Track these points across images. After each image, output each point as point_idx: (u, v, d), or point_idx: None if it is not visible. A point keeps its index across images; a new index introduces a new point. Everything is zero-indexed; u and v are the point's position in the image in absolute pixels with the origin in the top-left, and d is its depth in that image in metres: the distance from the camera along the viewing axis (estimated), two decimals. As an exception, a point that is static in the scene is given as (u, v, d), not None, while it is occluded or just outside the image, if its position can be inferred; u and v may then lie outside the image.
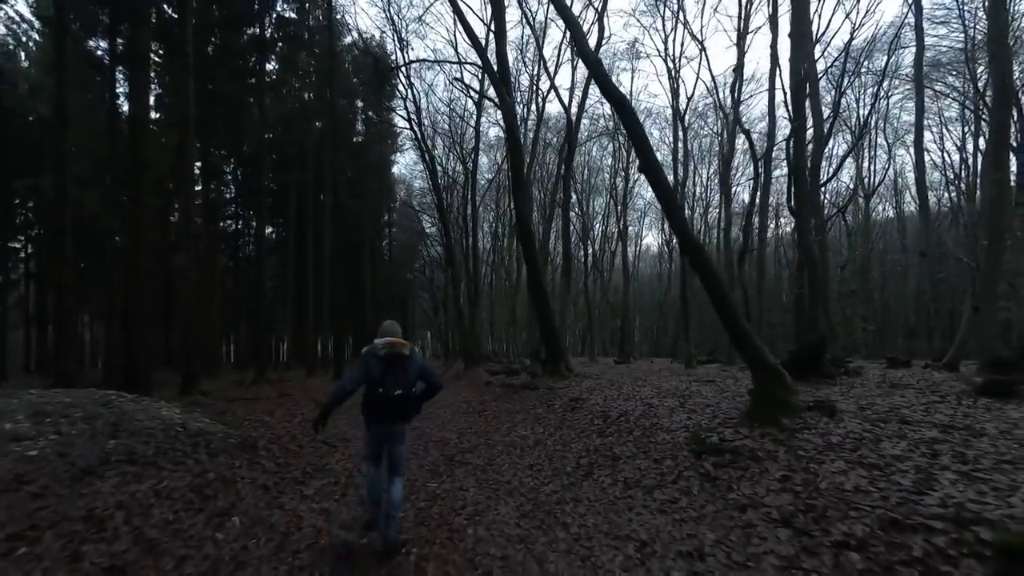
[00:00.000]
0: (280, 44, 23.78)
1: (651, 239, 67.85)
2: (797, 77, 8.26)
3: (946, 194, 31.75)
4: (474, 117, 24.82)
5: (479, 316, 30.77)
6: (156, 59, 20.49)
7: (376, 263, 38.60)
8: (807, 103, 11.78)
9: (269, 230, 38.21)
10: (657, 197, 5.54)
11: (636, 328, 47.70)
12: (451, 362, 27.67)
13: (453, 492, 4.79)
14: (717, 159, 32.91)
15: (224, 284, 33.39)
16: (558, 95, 18.96)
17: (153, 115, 27.62)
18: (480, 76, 19.25)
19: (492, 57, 12.45)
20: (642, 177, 41.46)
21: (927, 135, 32.77)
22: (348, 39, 28.04)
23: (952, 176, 30.27)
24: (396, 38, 22.32)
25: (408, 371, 3.37)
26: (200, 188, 28.66)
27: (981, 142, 29.15)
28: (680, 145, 24.34)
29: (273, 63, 25.07)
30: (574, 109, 18.51)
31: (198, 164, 27.32)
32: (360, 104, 33.41)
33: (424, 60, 20.95)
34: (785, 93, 20.48)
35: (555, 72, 19.95)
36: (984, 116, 25.74)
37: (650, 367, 18.57)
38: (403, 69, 21.92)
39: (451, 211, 29.32)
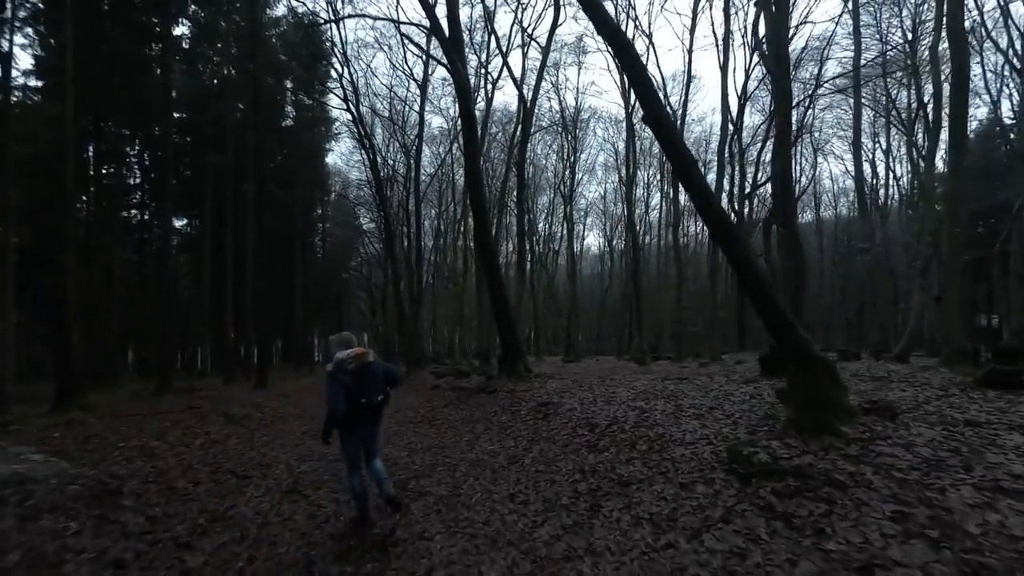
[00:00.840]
0: (192, 6, 20.84)
1: (592, 239, 68.60)
2: (777, 38, 7.68)
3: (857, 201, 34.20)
4: (418, 102, 23.17)
5: (422, 315, 29.03)
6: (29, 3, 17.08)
7: (308, 260, 35.48)
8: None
9: (183, 222, 34.22)
10: (669, 156, 4.53)
11: (579, 326, 47.79)
12: (391, 365, 25.67)
13: (412, 543, 3.44)
14: (661, 152, 33.31)
15: (126, 281, 29.13)
16: (511, 72, 17.80)
17: (34, 82, 23.47)
18: (424, 55, 17.69)
19: (443, 22, 11.04)
20: (587, 176, 41.38)
21: (838, 145, 34.81)
22: (278, 10, 25.38)
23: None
24: (331, 10, 20.19)
25: (377, 376, 3.58)
26: (92, 172, 24.74)
27: (893, 151, 31.50)
28: (626, 143, 24.02)
29: (185, 26, 21.98)
30: (527, 93, 17.41)
31: (92, 145, 23.57)
32: (290, 85, 30.47)
33: (363, 16, 18.96)
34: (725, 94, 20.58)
35: (507, 50, 18.58)
36: (895, 124, 27.61)
37: (600, 365, 17.86)
38: (339, 42, 19.87)
39: (392, 204, 27.39)
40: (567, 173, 29.89)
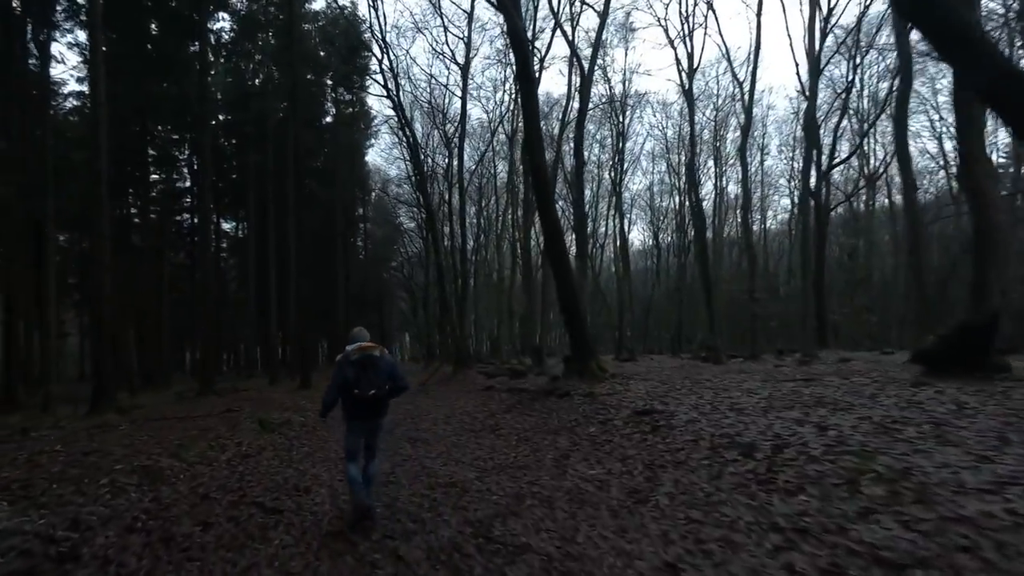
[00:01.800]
0: (231, -1, 20.43)
1: (635, 234, 65.70)
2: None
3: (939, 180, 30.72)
4: (459, 88, 22.00)
5: (466, 313, 27.85)
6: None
7: (349, 259, 35.09)
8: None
9: (231, 224, 34.57)
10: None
11: (628, 324, 45.64)
12: (433, 364, 24.54)
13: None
14: (714, 136, 30.91)
15: (178, 284, 29.40)
16: (565, 35, 16.02)
17: (79, 87, 23.64)
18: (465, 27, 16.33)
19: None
20: (631, 168, 39.10)
21: (919, 120, 30.10)
22: (317, 3, 24.86)
23: (943, 163, 28.75)
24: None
25: (379, 372, 3.66)
26: (139, 175, 24.90)
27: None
28: (689, 116, 21.87)
29: (226, 21, 21.63)
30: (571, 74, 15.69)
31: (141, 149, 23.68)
32: (329, 83, 30.02)
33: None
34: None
35: (558, 10, 16.67)
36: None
37: (662, 364, 15.98)
38: (378, 29, 18.87)
39: (432, 199, 26.41)
40: (616, 159, 28.00)
